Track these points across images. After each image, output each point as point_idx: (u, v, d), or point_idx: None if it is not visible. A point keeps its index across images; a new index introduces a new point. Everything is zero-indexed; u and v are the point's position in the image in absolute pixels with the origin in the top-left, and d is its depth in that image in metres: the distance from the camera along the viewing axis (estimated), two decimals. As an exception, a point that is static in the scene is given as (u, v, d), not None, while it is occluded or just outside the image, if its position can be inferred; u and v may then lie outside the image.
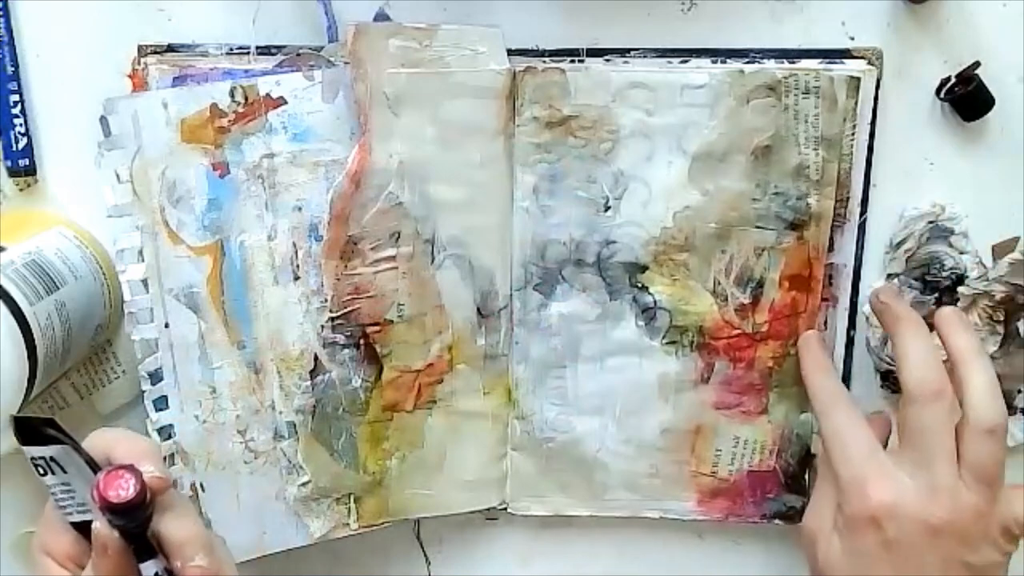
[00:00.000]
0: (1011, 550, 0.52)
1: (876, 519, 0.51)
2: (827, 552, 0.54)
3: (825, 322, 0.60)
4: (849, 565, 0.53)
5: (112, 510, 0.43)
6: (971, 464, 0.51)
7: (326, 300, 0.56)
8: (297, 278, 0.56)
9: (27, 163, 0.57)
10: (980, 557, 0.51)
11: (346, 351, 0.57)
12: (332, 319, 0.57)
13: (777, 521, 0.62)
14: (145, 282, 0.55)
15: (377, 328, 0.57)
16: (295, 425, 0.58)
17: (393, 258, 0.56)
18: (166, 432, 0.57)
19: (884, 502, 0.51)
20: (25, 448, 0.44)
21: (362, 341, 0.57)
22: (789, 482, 0.61)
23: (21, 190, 0.58)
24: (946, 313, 0.54)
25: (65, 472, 0.44)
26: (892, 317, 0.55)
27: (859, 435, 0.54)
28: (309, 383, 0.57)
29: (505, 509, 0.62)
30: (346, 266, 0.56)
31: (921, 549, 0.51)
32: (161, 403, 0.56)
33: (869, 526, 0.51)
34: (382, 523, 0.60)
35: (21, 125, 0.57)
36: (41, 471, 0.44)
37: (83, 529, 0.45)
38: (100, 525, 0.44)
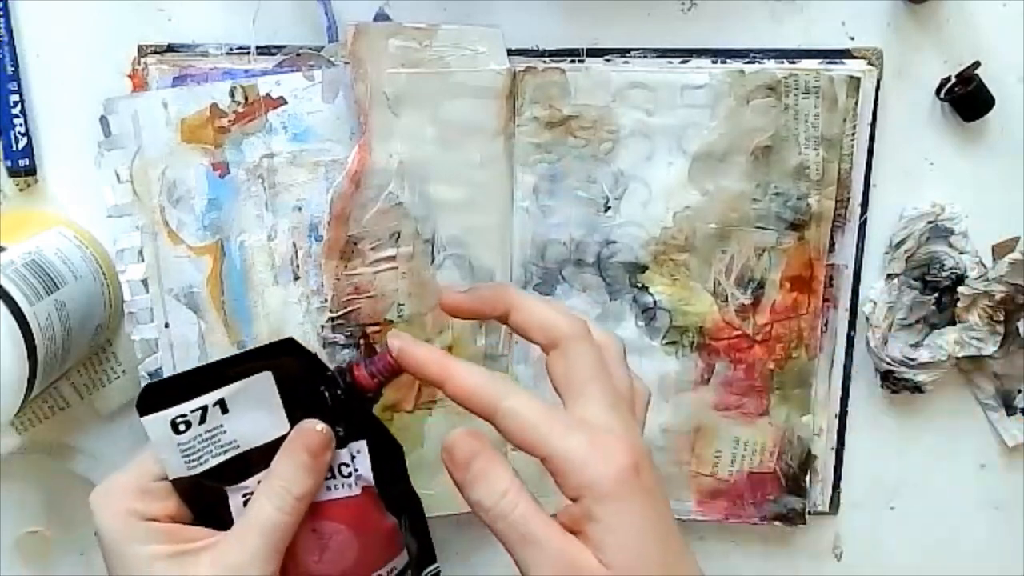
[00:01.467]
0: None
1: (638, 464, 0.43)
2: None
3: (825, 323, 0.60)
4: (640, 519, 0.44)
5: (392, 373, 0.48)
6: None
7: (326, 300, 0.56)
8: (297, 278, 0.56)
9: (27, 163, 0.57)
10: None
11: (346, 351, 0.57)
12: (332, 319, 0.57)
13: (777, 523, 0.61)
14: (145, 282, 0.55)
15: (377, 328, 0.57)
16: (294, 426, 0.58)
17: (393, 258, 0.56)
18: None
19: (636, 445, 0.44)
20: (172, 409, 0.45)
21: (362, 341, 0.57)
22: (789, 484, 0.61)
23: (21, 190, 0.58)
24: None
25: (225, 412, 0.46)
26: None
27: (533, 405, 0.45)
28: (309, 383, 0.57)
29: (505, 509, 0.62)
30: (346, 266, 0.56)
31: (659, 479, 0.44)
32: (161, 405, 0.56)
33: (636, 472, 0.43)
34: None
35: (21, 125, 0.57)
36: (183, 427, 0.45)
37: (187, 486, 0.47)
38: (325, 428, 0.47)
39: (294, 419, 0.47)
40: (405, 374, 0.48)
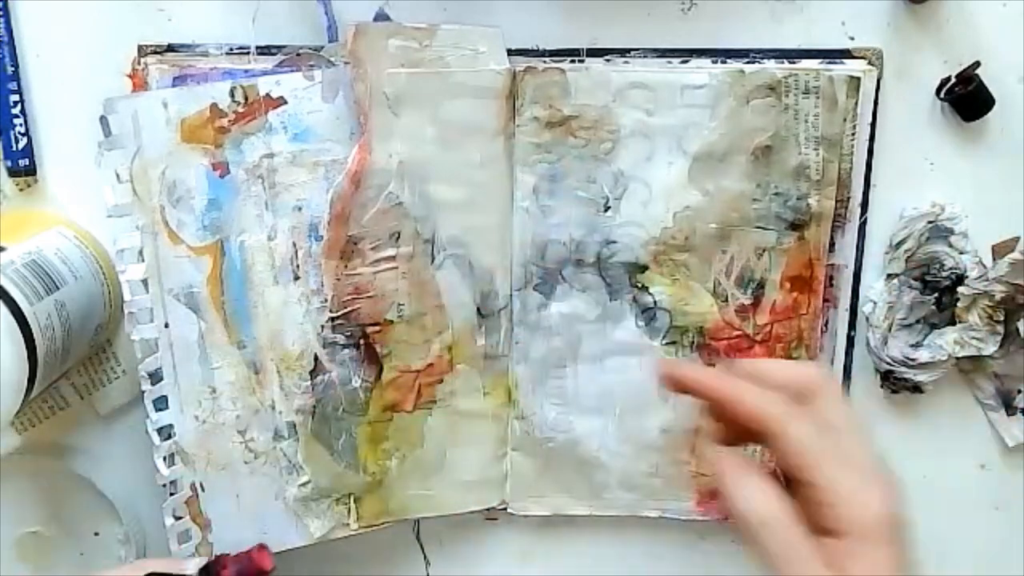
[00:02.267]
0: None
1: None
2: None
3: (826, 323, 0.60)
4: None
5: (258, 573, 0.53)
6: None
7: (326, 300, 0.56)
8: (297, 278, 0.56)
9: (27, 163, 0.57)
10: None
11: (346, 351, 0.57)
12: (332, 319, 0.57)
13: (777, 521, 0.61)
14: (145, 282, 0.55)
15: (377, 328, 0.57)
16: (295, 425, 0.58)
17: (393, 258, 0.56)
18: (166, 432, 0.57)
19: None
20: None
21: (362, 341, 0.57)
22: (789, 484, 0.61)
23: (21, 190, 0.58)
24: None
25: None
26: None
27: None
28: (309, 383, 0.57)
29: (505, 509, 0.62)
30: (346, 266, 0.56)
31: None
32: (161, 403, 0.56)
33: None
34: (382, 523, 0.60)
35: (21, 125, 0.57)
36: None
37: None
38: None
39: None
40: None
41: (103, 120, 0.53)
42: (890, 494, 0.44)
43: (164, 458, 0.57)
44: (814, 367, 0.47)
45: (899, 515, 0.44)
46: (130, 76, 0.56)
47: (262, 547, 0.54)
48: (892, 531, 0.43)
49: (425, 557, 0.63)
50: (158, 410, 0.56)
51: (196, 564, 0.53)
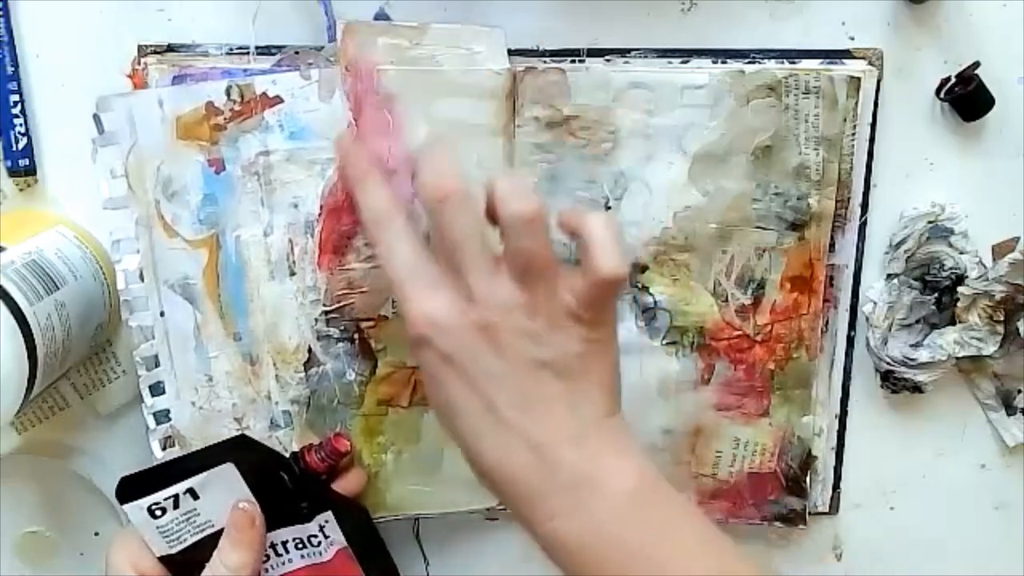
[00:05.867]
0: (595, 335, 0.47)
1: (423, 336, 0.47)
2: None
3: (826, 323, 0.60)
4: (430, 391, 0.49)
5: (338, 455, 0.56)
6: (511, 259, 0.47)
7: (320, 294, 0.56)
8: (293, 274, 0.56)
9: (27, 163, 0.57)
10: (553, 350, 0.47)
11: (340, 345, 0.57)
12: (326, 313, 0.57)
13: (777, 523, 0.62)
14: (141, 273, 0.55)
15: (371, 323, 0.57)
16: (291, 415, 0.58)
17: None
18: (162, 416, 0.57)
19: (424, 317, 0.47)
20: (147, 498, 0.52)
21: (356, 336, 0.57)
22: (790, 485, 0.61)
23: (21, 190, 0.58)
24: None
25: (196, 498, 0.53)
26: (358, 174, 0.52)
27: (402, 251, 0.49)
28: (304, 375, 0.57)
29: (505, 509, 0.62)
30: (340, 261, 0.56)
31: (478, 357, 0.47)
32: (157, 388, 0.57)
33: (422, 346, 0.48)
34: (379, 517, 0.60)
35: (21, 125, 0.57)
36: (159, 512, 0.52)
37: (174, 561, 0.54)
38: (248, 505, 0.54)
39: (261, 499, 0.54)
40: (349, 455, 0.57)
41: (96, 118, 0.53)
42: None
43: (160, 441, 0.57)
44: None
45: (417, 339, 0.48)
46: (130, 76, 0.56)
47: (339, 434, 0.57)
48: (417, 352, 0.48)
49: (424, 557, 0.63)
50: (154, 395, 0.57)
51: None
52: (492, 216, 0.48)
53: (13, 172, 0.57)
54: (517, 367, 0.47)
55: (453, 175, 0.48)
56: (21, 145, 0.57)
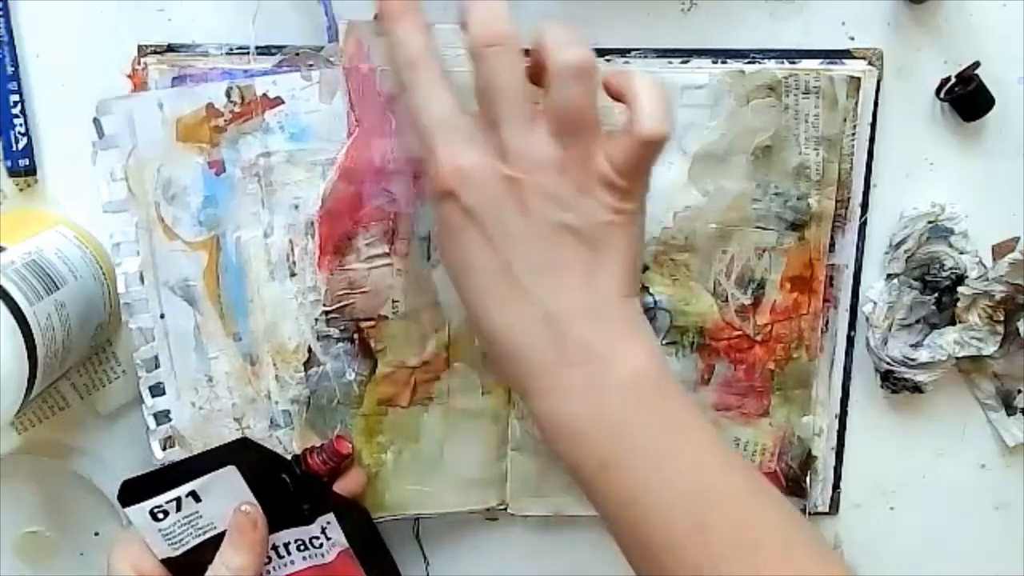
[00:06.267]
0: (626, 206, 0.46)
1: (448, 188, 0.46)
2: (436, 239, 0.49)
3: (826, 323, 0.60)
4: (446, 247, 0.48)
5: (340, 457, 0.56)
6: (552, 111, 0.45)
7: (320, 294, 0.56)
8: (294, 275, 0.56)
9: (27, 163, 0.57)
10: (579, 216, 0.46)
11: (340, 345, 0.57)
12: (326, 313, 0.57)
13: (777, 522, 0.61)
14: (141, 275, 0.55)
15: (371, 323, 0.57)
16: (291, 415, 0.58)
17: (388, 255, 0.56)
18: (163, 416, 0.57)
19: (453, 168, 0.46)
20: (149, 501, 0.52)
21: (356, 336, 0.57)
22: (790, 485, 0.61)
23: (21, 190, 0.58)
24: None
25: (198, 501, 0.53)
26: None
27: (437, 98, 0.47)
28: (304, 375, 0.57)
29: (505, 509, 0.62)
30: (340, 261, 0.56)
31: (502, 214, 0.45)
32: (157, 389, 0.57)
33: (446, 197, 0.46)
34: (379, 517, 0.60)
35: (21, 125, 0.57)
36: (161, 515, 0.53)
37: (176, 564, 0.54)
38: (250, 508, 0.54)
39: (263, 502, 0.54)
40: (351, 457, 0.57)
41: (96, 122, 0.53)
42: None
43: (160, 441, 0.57)
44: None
45: (444, 191, 0.46)
46: (130, 76, 0.56)
47: (340, 436, 0.57)
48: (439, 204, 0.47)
49: (424, 557, 0.63)
50: (154, 395, 0.57)
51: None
52: (532, 73, 0.47)
53: (13, 172, 0.57)
54: (540, 229, 0.46)
55: (506, 20, 0.46)
56: (21, 145, 0.57)
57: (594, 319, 0.46)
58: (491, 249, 0.46)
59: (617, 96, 0.47)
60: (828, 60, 0.56)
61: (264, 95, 0.54)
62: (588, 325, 0.46)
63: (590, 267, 0.46)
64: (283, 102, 0.54)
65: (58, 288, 0.53)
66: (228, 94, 0.54)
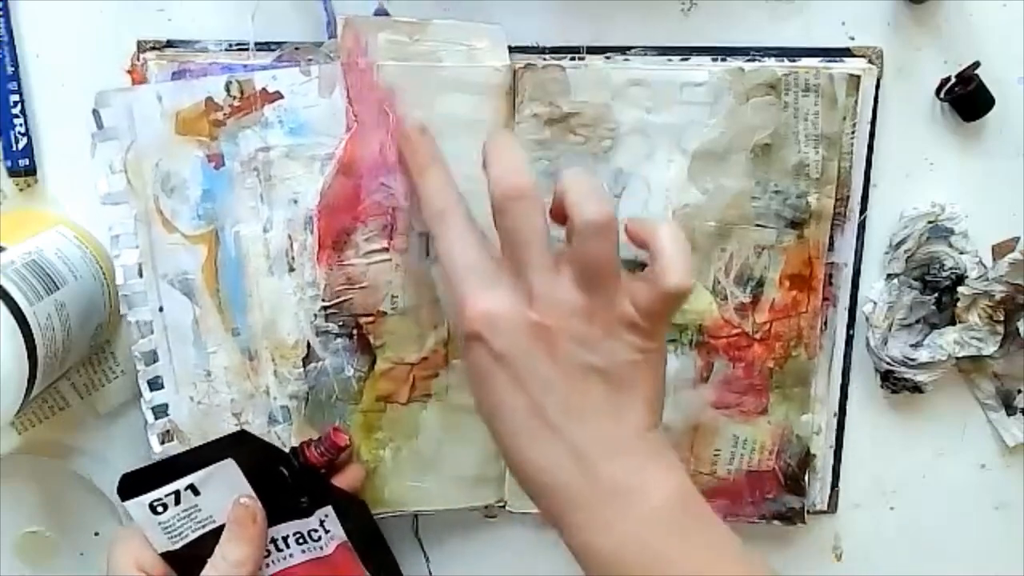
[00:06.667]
0: (650, 345, 0.47)
1: (478, 333, 0.47)
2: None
3: (825, 322, 0.60)
4: (477, 390, 0.49)
5: (337, 449, 0.56)
6: (576, 263, 0.47)
7: (319, 289, 0.56)
8: (292, 270, 0.56)
9: (27, 163, 0.57)
10: (606, 357, 0.47)
11: (339, 340, 0.57)
12: (324, 308, 0.57)
13: (776, 522, 0.61)
14: (139, 268, 0.55)
15: (370, 319, 0.57)
16: (289, 410, 0.58)
17: (386, 250, 0.56)
18: (161, 410, 0.57)
19: (482, 314, 0.47)
20: (148, 495, 0.53)
21: (355, 331, 0.57)
22: (788, 483, 0.61)
23: (21, 190, 0.58)
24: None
25: (197, 494, 0.53)
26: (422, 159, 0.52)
27: (463, 247, 0.49)
28: (302, 370, 0.57)
29: (504, 507, 0.62)
30: (339, 257, 0.56)
31: (531, 357, 0.47)
32: (156, 383, 0.57)
33: (475, 342, 0.48)
34: (378, 514, 0.60)
35: (21, 125, 0.57)
36: (161, 508, 0.53)
37: (176, 557, 0.54)
38: (249, 501, 0.54)
39: (261, 495, 0.55)
40: (348, 450, 0.57)
41: (95, 113, 0.53)
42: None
43: (158, 435, 0.57)
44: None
45: (472, 335, 0.47)
46: (129, 72, 0.56)
47: (337, 428, 0.57)
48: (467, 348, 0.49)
49: (425, 555, 0.63)
50: (153, 389, 0.57)
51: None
52: (555, 215, 0.48)
53: (13, 172, 0.57)
54: (569, 372, 0.47)
55: (527, 172, 0.47)
56: (21, 145, 0.57)
57: (622, 456, 0.47)
58: (522, 391, 0.47)
59: (640, 244, 0.49)
60: (828, 58, 0.56)
61: (263, 89, 0.54)
62: (617, 462, 0.47)
63: (616, 406, 0.47)
64: (282, 97, 0.54)
65: (58, 288, 0.53)
66: (227, 88, 0.54)
